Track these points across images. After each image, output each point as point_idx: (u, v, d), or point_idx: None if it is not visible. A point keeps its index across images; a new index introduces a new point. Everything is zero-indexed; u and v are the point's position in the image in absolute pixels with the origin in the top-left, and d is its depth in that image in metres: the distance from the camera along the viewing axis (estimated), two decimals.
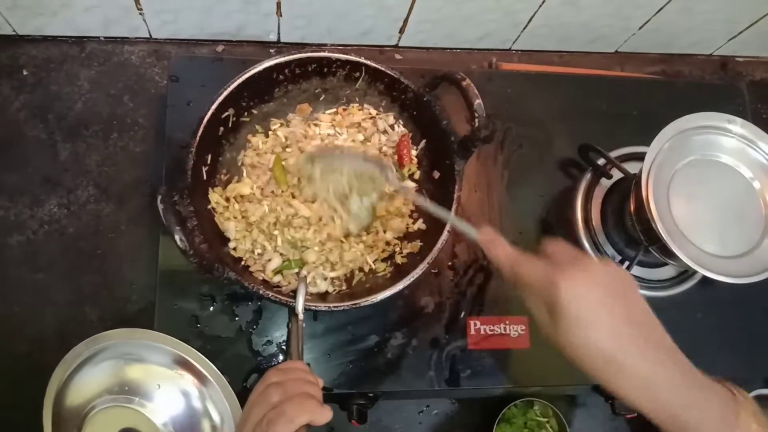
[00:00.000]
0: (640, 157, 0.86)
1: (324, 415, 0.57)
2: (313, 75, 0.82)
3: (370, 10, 0.91)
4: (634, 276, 0.85)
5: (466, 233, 0.59)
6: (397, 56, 1.03)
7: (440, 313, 0.84)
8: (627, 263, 0.83)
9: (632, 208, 0.80)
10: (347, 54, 0.80)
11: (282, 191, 0.81)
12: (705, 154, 0.78)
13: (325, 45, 1.00)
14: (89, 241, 0.87)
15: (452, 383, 0.81)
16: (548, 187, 0.92)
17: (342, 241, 0.80)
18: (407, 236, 0.83)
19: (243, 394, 0.69)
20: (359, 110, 0.87)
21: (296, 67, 0.80)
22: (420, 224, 0.83)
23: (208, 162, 0.78)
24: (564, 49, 1.08)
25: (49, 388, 0.71)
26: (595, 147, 0.88)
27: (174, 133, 0.82)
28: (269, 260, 0.78)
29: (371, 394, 0.80)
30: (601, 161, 0.89)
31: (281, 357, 0.79)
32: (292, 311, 0.71)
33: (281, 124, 0.85)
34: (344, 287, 0.80)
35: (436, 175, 0.83)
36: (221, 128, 0.79)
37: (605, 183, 0.90)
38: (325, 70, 0.82)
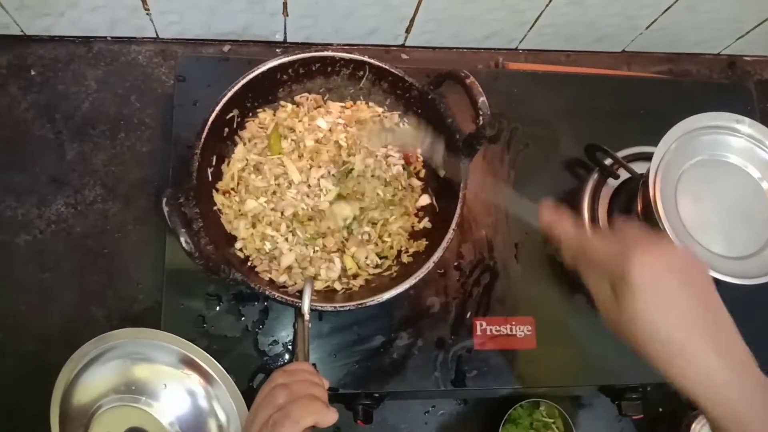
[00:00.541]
0: (647, 157, 0.86)
1: (329, 416, 0.57)
2: (317, 75, 0.82)
3: (375, 9, 0.91)
4: None
5: (524, 209, 0.56)
6: (404, 56, 1.03)
7: (446, 314, 0.84)
8: None
9: (639, 208, 0.79)
10: (351, 53, 0.80)
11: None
12: (713, 154, 0.78)
13: (331, 45, 1.00)
14: (96, 241, 0.87)
15: (458, 384, 0.81)
16: (555, 187, 0.92)
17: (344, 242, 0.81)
18: (413, 235, 0.83)
19: (249, 394, 0.69)
20: (367, 107, 0.87)
21: (300, 67, 0.80)
22: (426, 223, 0.83)
23: (213, 163, 0.78)
24: (570, 48, 1.08)
25: (56, 386, 0.71)
26: (602, 147, 0.87)
27: (180, 132, 0.83)
28: (282, 255, 0.77)
29: (377, 395, 0.80)
30: (608, 161, 0.88)
31: (287, 357, 0.80)
32: (298, 311, 0.71)
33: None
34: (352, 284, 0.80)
35: (442, 173, 0.83)
36: (226, 129, 0.79)
37: (612, 183, 0.89)
38: (329, 69, 0.82)
